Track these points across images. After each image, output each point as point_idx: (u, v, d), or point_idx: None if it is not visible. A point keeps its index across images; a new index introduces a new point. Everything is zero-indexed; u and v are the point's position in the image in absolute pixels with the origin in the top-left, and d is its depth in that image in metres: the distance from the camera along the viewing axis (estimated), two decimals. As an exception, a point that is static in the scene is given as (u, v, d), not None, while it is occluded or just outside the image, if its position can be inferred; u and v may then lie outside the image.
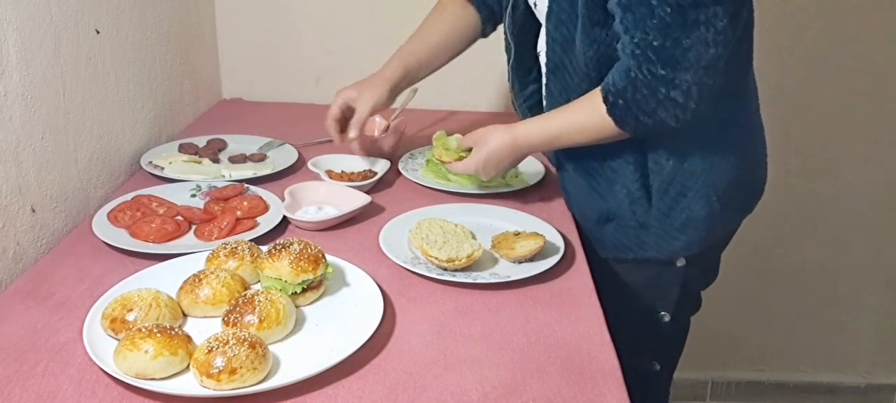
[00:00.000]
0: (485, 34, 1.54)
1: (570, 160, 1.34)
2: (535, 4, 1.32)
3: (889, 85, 2.08)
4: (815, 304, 2.35)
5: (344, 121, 1.49)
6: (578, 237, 1.31)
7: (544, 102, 1.36)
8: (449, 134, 1.44)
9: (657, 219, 1.27)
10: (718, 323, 1.81)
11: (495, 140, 1.30)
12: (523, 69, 1.43)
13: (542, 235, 1.21)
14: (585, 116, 1.20)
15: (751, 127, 1.31)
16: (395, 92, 1.49)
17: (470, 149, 1.35)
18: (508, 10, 1.39)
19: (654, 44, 1.08)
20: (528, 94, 1.44)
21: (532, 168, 1.55)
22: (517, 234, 1.23)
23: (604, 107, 1.16)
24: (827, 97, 2.09)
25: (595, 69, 1.20)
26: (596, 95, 1.18)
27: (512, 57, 1.43)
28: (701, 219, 1.26)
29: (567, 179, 1.38)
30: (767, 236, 2.14)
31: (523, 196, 1.46)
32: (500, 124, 1.32)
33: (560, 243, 1.23)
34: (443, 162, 1.41)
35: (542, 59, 1.33)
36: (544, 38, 1.29)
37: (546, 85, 1.31)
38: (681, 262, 1.32)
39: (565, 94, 1.26)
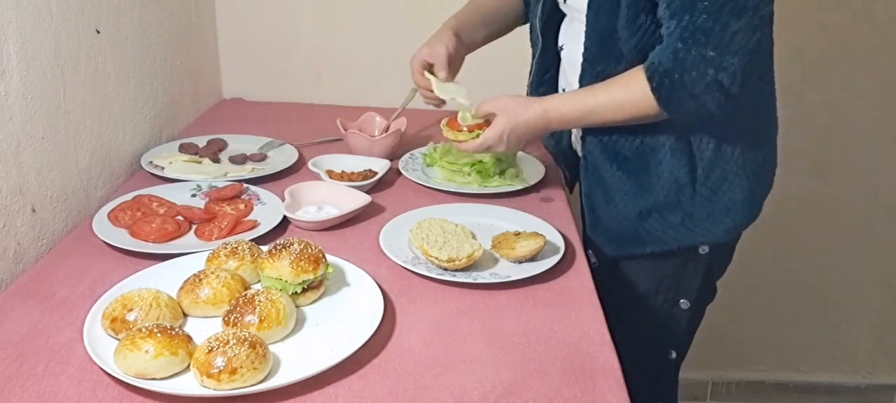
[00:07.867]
0: (528, 20, 1.55)
1: (608, 160, 1.32)
2: (564, 0, 1.33)
3: (889, 85, 2.08)
4: (814, 304, 2.35)
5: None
6: (580, 238, 1.31)
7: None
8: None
9: (702, 205, 1.29)
10: (718, 323, 1.81)
11: (525, 112, 1.27)
12: (544, 64, 1.44)
13: (542, 235, 1.21)
14: (625, 94, 1.20)
15: (773, 111, 1.34)
16: (457, 37, 1.47)
17: (481, 124, 1.33)
18: (540, 4, 1.39)
19: (704, 26, 1.10)
20: (543, 92, 1.45)
21: (532, 168, 1.55)
22: (517, 234, 1.23)
23: (648, 86, 1.17)
24: (827, 97, 2.09)
25: (637, 57, 1.21)
26: (637, 74, 1.18)
27: (538, 51, 1.43)
28: (741, 202, 1.29)
29: (598, 183, 1.35)
30: (767, 236, 2.13)
31: (523, 196, 1.46)
32: (518, 96, 1.31)
33: (560, 243, 1.23)
34: (457, 142, 1.35)
35: (574, 51, 1.32)
36: (573, 30, 1.30)
37: (580, 77, 1.30)
38: (704, 250, 1.33)
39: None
